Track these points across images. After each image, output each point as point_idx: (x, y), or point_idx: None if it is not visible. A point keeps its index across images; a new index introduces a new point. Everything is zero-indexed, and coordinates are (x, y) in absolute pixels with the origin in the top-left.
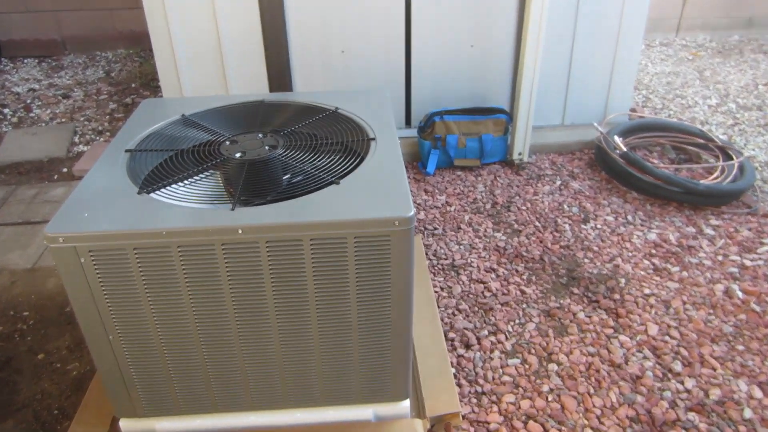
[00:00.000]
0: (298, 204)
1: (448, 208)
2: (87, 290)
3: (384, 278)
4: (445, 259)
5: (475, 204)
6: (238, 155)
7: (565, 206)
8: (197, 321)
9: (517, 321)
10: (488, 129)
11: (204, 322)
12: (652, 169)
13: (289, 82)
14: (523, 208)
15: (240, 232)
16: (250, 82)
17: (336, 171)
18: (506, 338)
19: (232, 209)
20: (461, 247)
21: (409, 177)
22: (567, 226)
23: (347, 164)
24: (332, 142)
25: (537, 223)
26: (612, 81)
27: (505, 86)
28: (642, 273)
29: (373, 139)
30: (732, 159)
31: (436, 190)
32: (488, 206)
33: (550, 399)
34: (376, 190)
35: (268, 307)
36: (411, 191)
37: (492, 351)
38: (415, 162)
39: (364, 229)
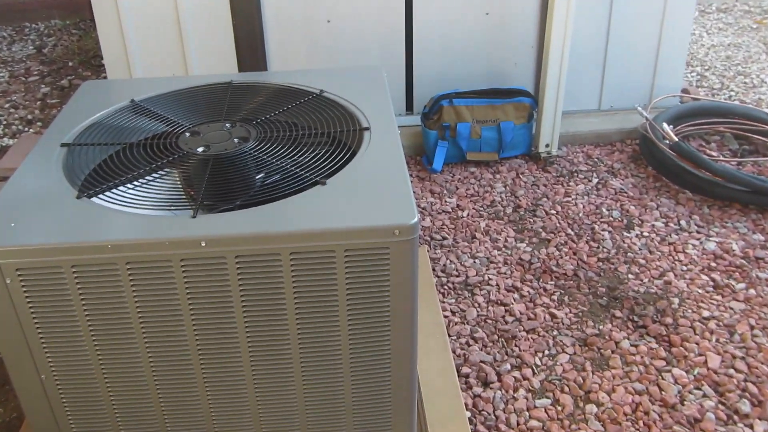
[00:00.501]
0: (274, 209)
1: (459, 213)
2: (13, 318)
3: (382, 300)
4: (457, 277)
5: (492, 208)
6: (200, 150)
7: (604, 210)
8: (151, 356)
9: (546, 352)
10: (508, 115)
11: (159, 358)
12: (709, 164)
13: (263, 60)
14: (552, 212)
15: (203, 244)
16: (215, 60)
17: (321, 168)
18: (533, 374)
19: (194, 217)
20: (476, 261)
21: (411, 175)
22: (606, 234)
23: (335, 160)
24: (316, 132)
25: (569, 231)
26: (659, 55)
27: (529, 62)
28: (699, 291)
29: (367, 128)
30: None
31: (445, 191)
32: (509, 210)
33: None
34: (371, 192)
35: (239, 338)
36: (414, 192)
37: (516, 390)
38: (419, 156)
39: (357, 240)
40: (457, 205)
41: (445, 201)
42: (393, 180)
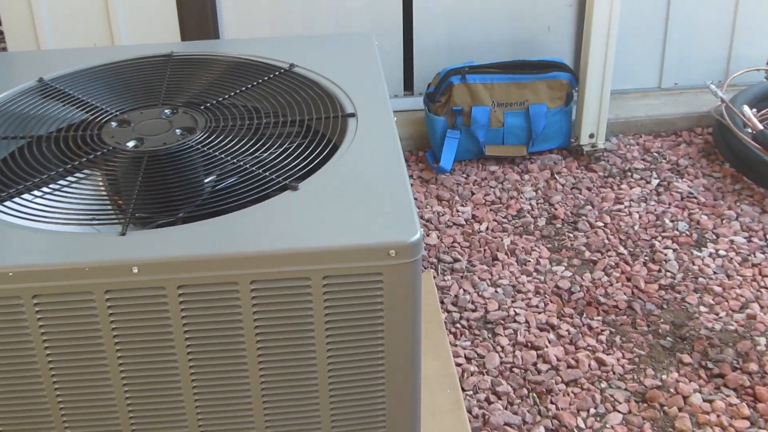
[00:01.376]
0: (229, 224)
1: (476, 227)
2: None
3: (373, 344)
4: (474, 311)
5: (520, 219)
6: (131, 144)
7: (667, 221)
8: (65, 413)
9: (592, 411)
10: (539, 96)
11: (76, 415)
12: None
13: (214, 25)
14: (599, 224)
15: (135, 271)
16: (149, 26)
17: (292, 168)
18: None
19: (123, 234)
20: (499, 290)
21: (411, 176)
22: (670, 254)
23: (310, 157)
24: (285, 120)
25: (622, 249)
26: (738, 15)
27: (566, 25)
28: None
29: (352, 114)
30: None
31: (457, 197)
32: (541, 222)
33: None
34: (358, 200)
35: (183, 391)
36: (415, 200)
37: None
38: (421, 151)
39: (339, 264)
40: (473, 216)
41: (457, 210)
42: (387, 183)
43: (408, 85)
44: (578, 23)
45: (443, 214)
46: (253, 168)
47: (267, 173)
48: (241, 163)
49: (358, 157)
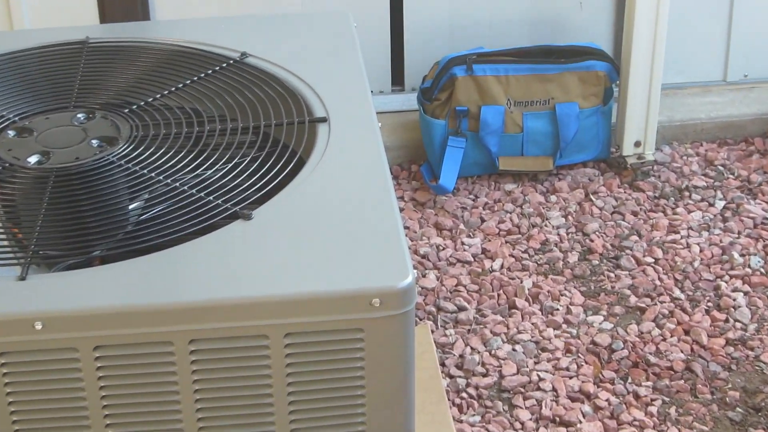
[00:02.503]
0: (161, 265)
1: (487, 265)
2: None
3: (350, 421)
4: (485, 376)
5: (545, 254)
6: (33, 160)
7: (736, 255)
8: None
9: None
10: (569, 92)
11: None
12: None
13: (143, 2)
14: (648, 260)
15: (39, 327)
16: (59, 4)
17: (244, 191)
18: None
19: (22, 278)
20: (518, 347)
21: (402, 197)
22: (741, 298)
23: (268, 176)
24: (235, 127)
25: (678, 293)
26: None
27: (603, 2)
28: None
29: (323, 119)
30: None
31: (462, 226)
32: (573, 258)
33: None
34: (330, 233)
35: None
36: (407, 230)
37: None
38: (416, 165)
39: (306, 318)
40: (484, 251)
41: (463, 243)
42: (368, 209)
43: (397, 79)
44: (619, 2)
45: (444, 248)
46: (193, 190)
47: (211, 197)
48: (177, 184)
49: (330, 175)
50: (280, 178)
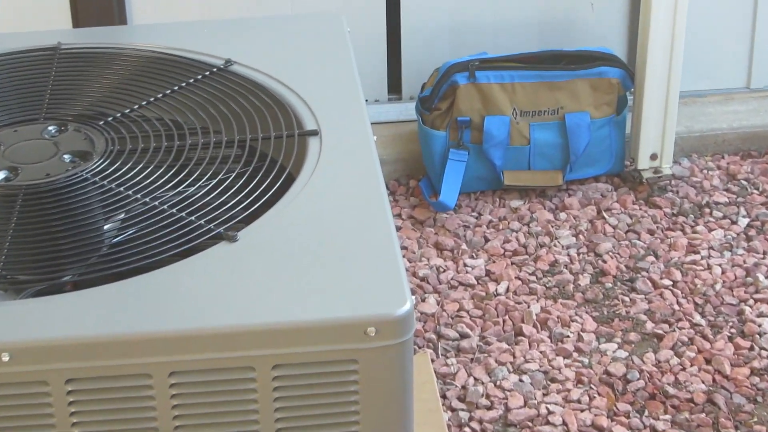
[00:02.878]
0: (139, 291)
1: (491, 288)
2: None
3: None
4: (489, 409)
5: (554, 276)
6: (0, 176)
7: (762, 277)
8: None
9: None
10: (580, 101)
11: None
12: None
13: (120, 4)
14: (665, 282)
15: (6, 359)
16: (29, 6)
17: (228, 210)
18: None
19: None
20: (525, 378)
21: (399, 214)
22: (766, 324)
23: (254, 194)
24: (219, 141)
25: (698, 319)
26: None
27: (617, 3)
28: None
29: (314, 132)
30: None
31: (464, 245)
32: (584, 281)
33: None
34: (321, 255)
35: None
36: (405, 249)
37: None
38: (414, 180)
39: (295, 348)
40: (488, 273)
41: (465, 265)
42: (362, 230)
43: (394, 87)
44: (633, 3)
45: (445, 270)
46: (173, 210)
47: (193, 217)
48: (156, 202)
49: (321, 192)
50: (267, 196)
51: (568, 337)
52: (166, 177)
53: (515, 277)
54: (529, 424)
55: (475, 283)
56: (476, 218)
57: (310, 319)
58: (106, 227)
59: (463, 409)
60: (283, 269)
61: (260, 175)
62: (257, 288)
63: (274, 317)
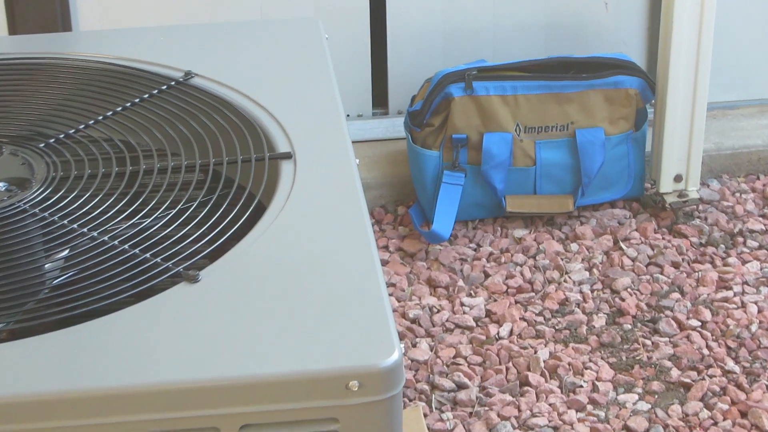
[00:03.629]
0: (86, 339)
1: (493, 331)
2: None
3: None
4: None
5: (564, 317)
6: None
7: None
8: None
9: None
10: (593, 115)
11: None
12: None
13: (64, 8)
14: (693, 323)
15: None
16: None
17: (188, 246)
18: None
19: None
20: None
21: (386, 247)
22: None
23: (219, 227)
24: (178, 165)
25: (730, 365)
26: None
27: (635, 3)
28: None
29: (287, 155)
30: None
31: (461, 282)
32: (599, 322)
33: None
34: (296, 298)
35: None
36: (392, 287)
37: None
38: (403, 206)
39: (267, 405)
40: (488, 313)
41: (462, 304)
42: (344, 266)
43: (380, 100)
44: (653, 5)
45: (439, 311)
46: (126, 246)
47: (148, 254)
48: (106, 237)
49: (296, 224)
50: (234, 228)
51: (582, 387)
52: (117, 207)
53: (520, 318)
54: None
55: (474, 325)
56: (474, 250)
57: (283, 372)
58: (47, 266)
59: None
60: (251, 314)
61: (226, 204)
62: (222, 336)
63: (241, 370)
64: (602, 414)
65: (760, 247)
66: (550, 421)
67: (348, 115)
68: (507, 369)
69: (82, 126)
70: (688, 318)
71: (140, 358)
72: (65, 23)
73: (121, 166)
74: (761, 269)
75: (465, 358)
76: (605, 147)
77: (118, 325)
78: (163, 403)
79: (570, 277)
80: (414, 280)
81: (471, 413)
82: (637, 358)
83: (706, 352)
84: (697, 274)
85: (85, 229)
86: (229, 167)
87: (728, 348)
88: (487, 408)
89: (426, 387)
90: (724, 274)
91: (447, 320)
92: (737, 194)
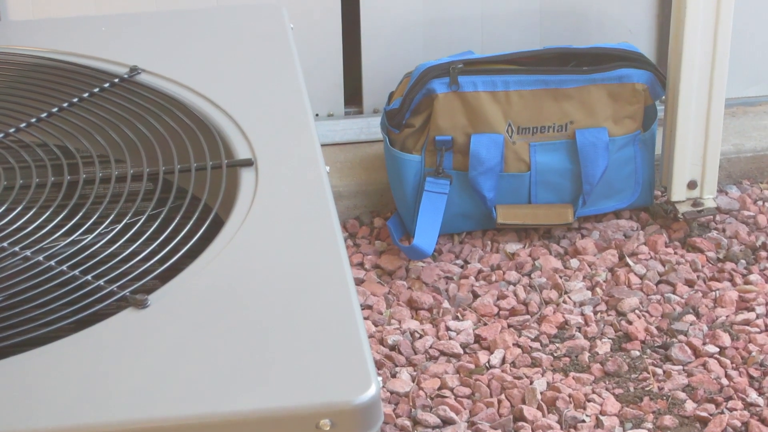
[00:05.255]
0: (13, 375)
1: (482, 359)
2: None
3: None
4: None
5: (563, 342)
6: None
7: None
8: None
9: None
10: (595, 114)
11: None
12: None
13: None
14: (710, 349)
15: None
16: None
17: (136, 265)
18: None
19: None
20: None
21: (361, 264)
22: None
23: (170, 245)
24: (123, 174)
25: (753, 396)
26: None
27: None
28: None
29: (248, 162)
30: None
31: (446, 303)
32: (603, 348)
33: None
34: (260, 326)
35: None
36: (367, 309)
37: None
38: (381, 217)
39: None
40: (477, 339)
41: (448, 328)
42: (312, 288)
43: (353, 98)
44: None
45: (422, 336)
46: (63, 267)
47: (89, 276)
48: (41, 257)
49: (257, 240)
50: (188, 246)
51: (584, 421)
52: (54, 223)
53: (513, 344)
54: None
55: (461, 352)
56: (461, 267)
57: (244, 411)
58: None
59: None
60: (208, 344)
61: (178, 218)
62: (174, 370)
63: (196, 409)
64: None
65: None
66: None
67: (317, 115)
68: (499, 402)
69: (13, 129)
70: (704, 343)
71: (78, 396)
72: None
73: (57, 175)
74: None
75: (451, 389)
76: (609, 150)
77: (54, 357)
78: None
79: (570, 298)
80: (393, 301)
81: None
82: (647, 389)
83: (725, 382)
84: (714, 293)
85: (16, 248)
86: (181, 176)
87: (750, 377)
88: None
89: (407, 423)
90: (745, 294)
91: (431, 347)
92: (759, 202)
